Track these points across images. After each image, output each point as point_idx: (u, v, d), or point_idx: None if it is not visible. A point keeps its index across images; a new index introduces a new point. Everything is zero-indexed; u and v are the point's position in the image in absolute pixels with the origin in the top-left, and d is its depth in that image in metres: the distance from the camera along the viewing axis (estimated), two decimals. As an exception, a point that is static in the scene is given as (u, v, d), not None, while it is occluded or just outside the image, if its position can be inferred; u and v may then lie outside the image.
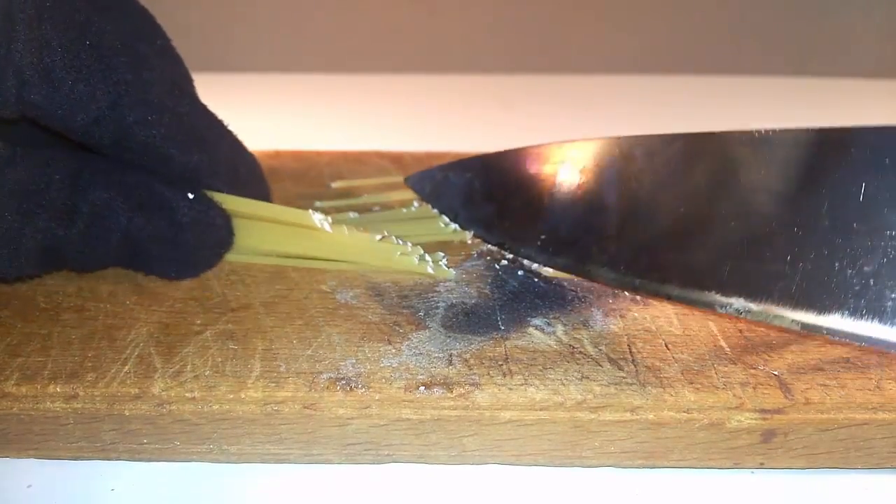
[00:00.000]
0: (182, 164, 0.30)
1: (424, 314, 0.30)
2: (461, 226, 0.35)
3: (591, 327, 0.29)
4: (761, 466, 0.27)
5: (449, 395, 0.26)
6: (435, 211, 0.36)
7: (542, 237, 0.32)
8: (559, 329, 0.29)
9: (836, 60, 0.73)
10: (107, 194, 0.29)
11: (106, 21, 0.28)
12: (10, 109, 0.27)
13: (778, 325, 0.27)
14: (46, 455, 0.27)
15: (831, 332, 0.26)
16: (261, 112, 0.62)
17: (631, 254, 0.30)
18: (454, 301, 0.30)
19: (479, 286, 0.32)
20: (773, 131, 0.29)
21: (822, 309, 0.26)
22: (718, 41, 0.74)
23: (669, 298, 0.29)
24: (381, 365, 0.27)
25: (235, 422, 0.26)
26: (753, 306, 0.27)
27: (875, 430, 0.26)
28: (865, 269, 0.26)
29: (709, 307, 0.28)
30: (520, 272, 0.32)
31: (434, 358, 0.27)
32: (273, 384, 0.26)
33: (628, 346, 0.28)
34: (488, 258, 0.34)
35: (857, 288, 0.26)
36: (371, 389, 0.26)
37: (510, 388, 0.26)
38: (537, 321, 0.29)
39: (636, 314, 0.30)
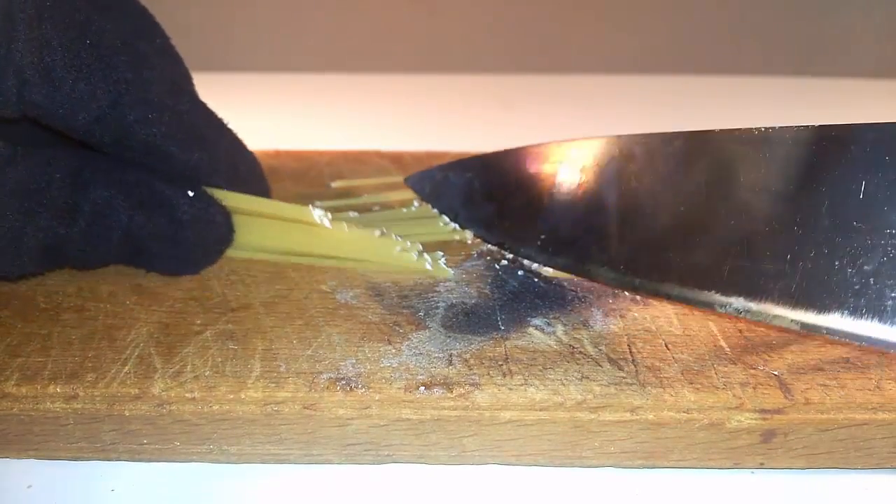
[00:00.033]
0: (182, 162, 0.30)
1: (424, 314, 0.30)
2: (461, 226, 0.35)
3: (591, 327, 0.29)
4: (761, 466, 0.27)
5: (449, 395, 0.26)
6: (435, 211, 0.36)
7: (542, 237, 0.32)
8: (559, 329, 0.29)
9: (836, 60, 0.73)
10: (107, 192, 0.29)
11: (106, 20, 0.28)
12: (12, 109, 0.27)
13: (778, 325, 0.27)
14: (46, 455, 0.27)
15: (831, 332, 0.26)
16: (261, 112, 0.62)
17: (630, 253, 0.30)
18: (454, 301, 0.30)
19: (479, 286, 0.32)
20: (773, 129, 0.28)
21: (822, 308, 0.26)
22: (718, 41, 0.74)
23: (669, 298, 0.29)
24: (381, 365, 0.27)
25: (235, 422, 0.26)
26: (753, 306, 0.27)
27: (875, 430, 0.26)
28: (865, 267, 0.26)
29: (708, 307, 0.28)
30: (520, 272, 0.32)
31: (434, 358, 0.27)
32: (273, 384, 0.26)
33: (628, 346, 0.28)
34: (488, 258, 0.34)
35: (856, 287, 0.26)
36: (371, 389, 0.26)
37: (510, 389, 0.26)
38: (537, 321, 0.29)
39: (636, 314, 0.30)
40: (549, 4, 0.73)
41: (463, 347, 0.28)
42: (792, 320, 0.26)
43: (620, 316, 0.30)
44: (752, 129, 0.29)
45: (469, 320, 0.29)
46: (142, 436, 0.26)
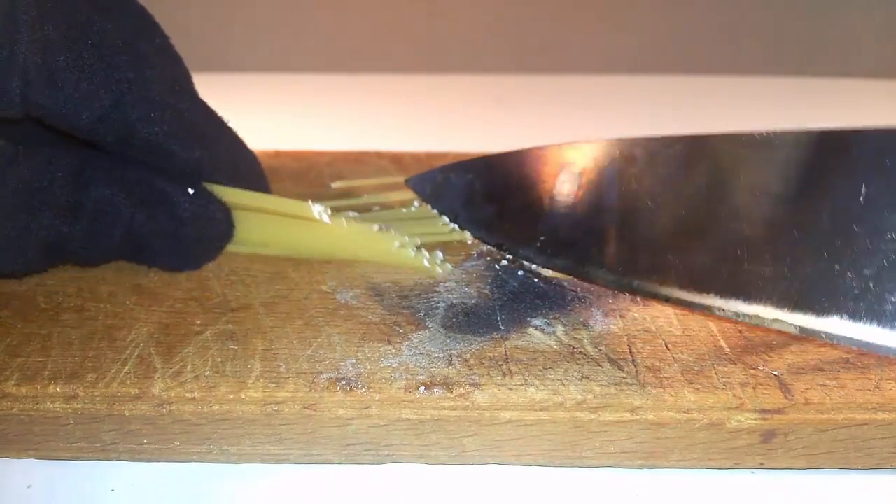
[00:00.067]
0: (184, 160, 0.30)
1: (424, 314, 0.30)
2: (461, 226, 0.35)
3: (591, 327, 0.29)
4: (761, 466, 0.27)
5: (449, 395, 0.26)
6: (434, 211, 0.36)
7: (542, 238, 0.32)
8: (559, 329, 0.29)
9: (836, 60, 0.73)
10: (109, 190, 0.29)
11: (106, 20, 0.28)
12: (16, 110, 0.27)
13: (776, 329, 0.27)
14: (46, 455, 0.27)
15: (830, 336, 0.26)
16: (261, 112, 0.62)
17: (630, 255, 0.30)
18: (454, 301, 0.30)
19: (479, 286, 0.32)
20: (774, 133, 0.29)
21: (822, 312, 0.26)
22: (718, 41, 0.74)
23: (668, 301, 0.29)
24: (381, 365, 0.27)
25: (235, 422, 0.26)
26: (752, 309, 0.27)
27: (875, 431, 0.26)
28: (865, 271, 0.26)
29: (707, 310, 0.28)
30: (520, 272, 0.33)
31: (434, 358, 0.27)
32: (273, 384, 0.26)
33: (628, 346, 0.28)
34: (488, 258, 0.34)
35: (856, 291, 0.26)
36: (371, 390, 0.26)
37: (510, 389, 0.26)
38: (537, 321, 0.29)
39: (636, 314, 0.30)
40: (549, 4, 0.73)
41: (463, 347, 0.28)
42: (791, 324, 0.26)
43: (620, 316, 0.30)
44: (752, 132, 0.29)
45: (469, 320, 0.29)
46: (142, 436, 0.26)
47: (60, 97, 0.27)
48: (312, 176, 0.41)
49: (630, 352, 0.28)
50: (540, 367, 0.27)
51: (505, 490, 0.26)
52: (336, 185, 0.40)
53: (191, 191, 0.31)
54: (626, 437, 0.26)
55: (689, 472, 0.27)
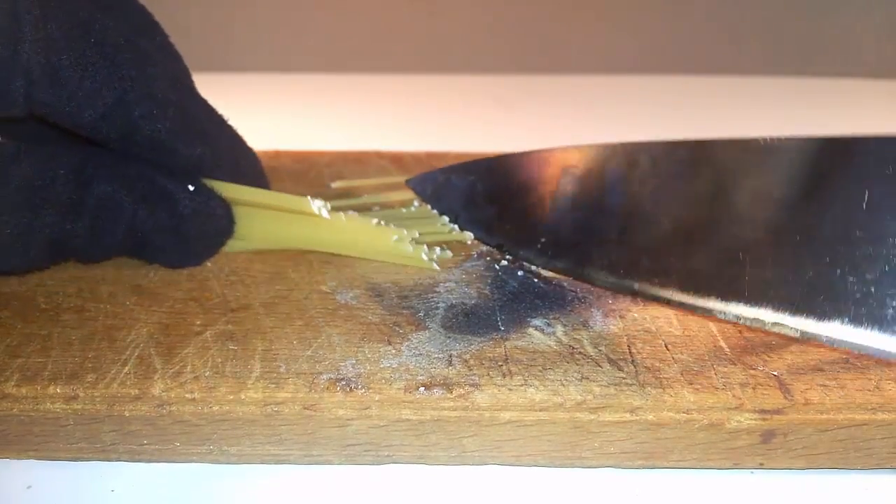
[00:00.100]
0: (186, 156, 0.30)
1: (424, 315, 0.30)
2: (461, 227, 0.35)
3: (591, 328, 0.29)
4: (761, 467, 0.27)
5: (449, 395, 0.26)
6: (434, 212, 0.36)
7: (543, 240, 0.32)
8: (559, 329, 0.29)
9: (836, 60, 0.73)
10: (110, 187, 0.29)
11: (108, 18, 0.28)
12: (19, 108, 0.27)
13: (777, 332, 0.27)
14: (46, 456, 0.27)
15: (831, 340, 0.26)
16: (261, 112, 0.62)
17: (631, 258, 0.30)
18: (454, 301, 0.30)
19: (479, 286, 0.32)
20: (777, 139, 0.29)
21: (823, 316, 0.26)
22: (718, 41, 0.74)
23: (668, 303, 0.29)
24: (381, 366, 0.27)
25: (235, 423, 0.26)
26: (753, 312, 0.27)
27: (875, 431, 0.26)
28: (867, 276, 0.26)
29: (708, 313, 0.28)
30: (520, 272, 0.33)
31: (434, 358, 0.27)
32: (273, 385, 0.26)
33: (628, 346, 0.28)
34: (488, 258, 0.34)
35: (857, 295, 0.26)
36: (371, 390, 0.26)
37: (510, 389, 0.26)
38: (537, 322, 0.29)
39: (636, 315, 0.30)
40: (549, 4, 0.73)
41: (463, 348, 0.28)
42: (792, 327, 0.27)
43: (620, 316, 0.30)
44: (756, 138, 0.29)
45: (469, 321, 0.29)
46: (142, 436, 0.26)
47: (64, 95, 0.27)
48: (312, 176, 0.41)
49: (630, 352, 0.28)
50: (540, 368, 0.27)
51: (505, 490, 0.26)
52: (336, 185, 0.40)
53: (191, 187, 0.31)
54: (626, 437, 0.26)
55: (688, 473, 0.27)
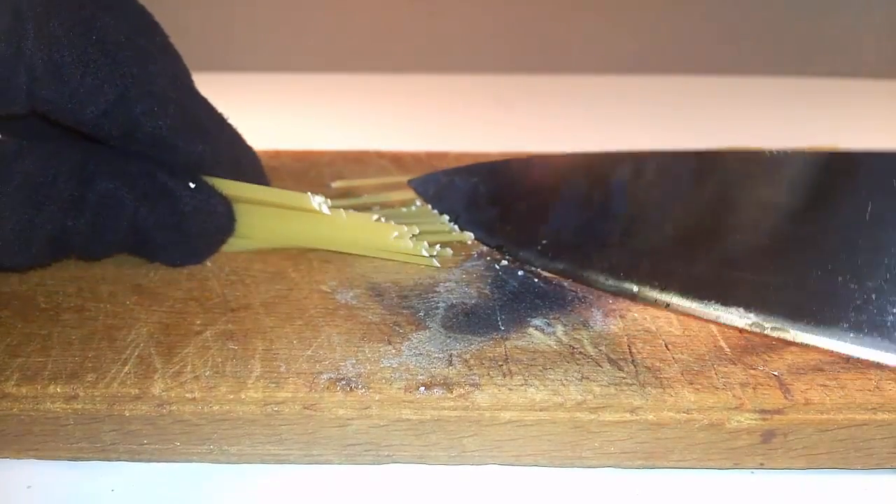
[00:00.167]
0: (186, 153, 0.31)
1: (424, 314, 0.30)
2: (461, 227, 0.35)
3: (591, 328, 0.29)
4: (761, 467, 0.27)
5: (449, 395, 0.26)
6: (435, 212, 0.36)
7: (544, 242, 0.32)
8: (559, 329, 0.29)
9: (836, 60, 0.73)
10: (112, 184, 0.29)
11: (109, 17, 0.29)
12: (21, 105, 0.27)
13: (777, 337, 0.27)
14: (46, 455, 0.27)
15: (831, 346, 0.26)
16: (261, 112, 0.62)
17: (632, 261, 0.30)
18: (454, 301, 0.30)
19: (479, 286, 0.32)
20: (784, 152, 0.29)
21: (824, 322, 0.26)
22: (719, 41, 0.74)
23: (668, 307, 0.29)
24: (381, 365, 0.27)
25: (235, 422, 0.26)
26: (753, 317, 0.27)
27: (875, 431, 0.26)
28: (868, 284, 0.26)
29: (709, 317, 0.28)
30: (520, 272, 0.33)
31: (434, 358, 0.27)
32: (273, 384, 0.26)
33: (628, 346, 0.28)
34: (488, 258, 0.34)
35: (858, 302, 0.26)
36: (371, 390, 0.26)
37: (510, 389, 0.26)
38: (537, 321, 0.29)
39: (636, 314, 0.30)
40: (549, 4, 0.73)
41: (463, 348, 0.28)
42: (793, 333, 0.27)
43: (620, 316, 0.30)
44: (762, 150, 0.29)
45: (469, 320, 0.29)
46: (142, 436, 0.26)
47: (66, 92, 0.27)
48: (313, 176, 0.41)
49: (630, 352, 0.28)
50: (540, 368, 0.27)
51: (505, 490, 0.26)
52: (336, 184, 0.40)
53: (192, 185, 0.31)
54: (626, 437, 0.26)
55: (689, 473, 0.27)
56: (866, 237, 0.26)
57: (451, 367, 0.27)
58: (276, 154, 0.43)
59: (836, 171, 0.28)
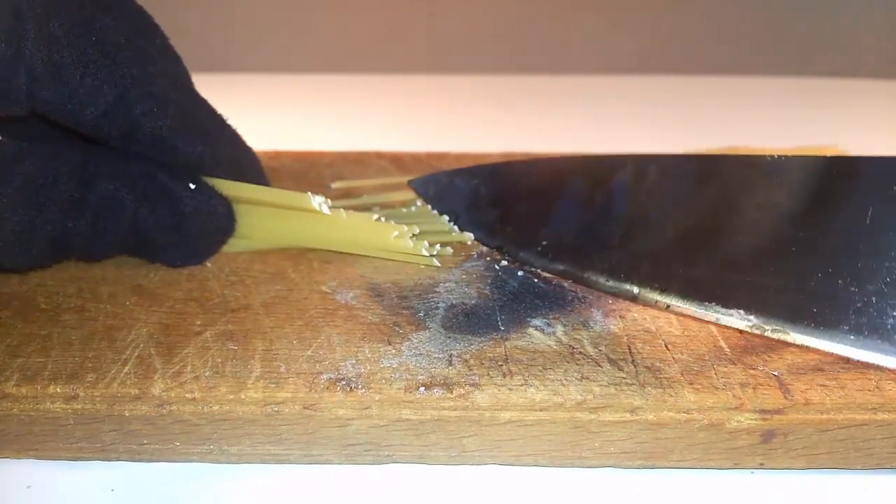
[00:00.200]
0: (186, 154, 0.31)
1: (424, 315, 0.30)
2: (461, 228, 0.35)
3: (591, 328, 0.29)
4: (761, 467, 0.27)
5: (449, 395, 0.26)
6: (435, 212, 0.36)
7: (544, 243, 0.32)
8: (559, 329, 0.29)
9: (836, 60, 0.73)
10: (112, 185, 0.29)
11: (109, 18, 0.29)
12: (22, 105, 0.27)
13: (777, 339, 0.27)
14: (46, 455, 0.27)
15: (831, 349, 0.26)
16: (261, 112, 0.62)
17: (633, 263, 0.30)
18: (454, 301, 0.30)
19: (479, 286, 0.32)
20: (785, 157, 0.29)
21: (823, 324, 0.27)
22: (719, 41, 0.74)
23: (668, 309, 0.29)
24: (381, 365, 0.27)
25: (235, 422, 0.26)
26: (753, 319, 0.27)
27: (875, 431, 0.26)
28: (868, 287, 0.26)
29: (709, 319, 0.28)
30: (520, 272, 0.33)
31: (434, 358, 0.27)
32: (273, 385, 0.26)
33: (628, 346, 0.28)
34: (488, 259, 0.34)
35: (858, 305, 0.26)
36: (371, 390, 0.26)
37: (510, 389, 0.26)
38: (537, 322, 0.29)
39: (636, 315, 0.30)
40: (549, 4, 0.73)
41: (463, 348, 0.28)
42: (793, 335, 0.27)
43: (620, 316, 0.30)
44: (764, 155, 0.30)
45: (469, 321, 0.29)
46: (142, 436, 0.26)
47: (66, 93, 0.27)
48: (313, 176, 0.41)
49: (630, 352, 0.28)
50: (540, 368, 0.27)
51: (505, 490, 0.26)
52: (336, 185, 0.40)
53: (192, 186, 0.31)
54: (626, 437, 0.26)
55: (689, 473, 0.27)
56: (866, 241, 0.27)
57: (451, 368, 0.27)
58: (276, 155, 0.43)
59: (837, 176, 0.28)
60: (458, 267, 0.33)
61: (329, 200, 0.33)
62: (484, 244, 0.34)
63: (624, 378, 0.26)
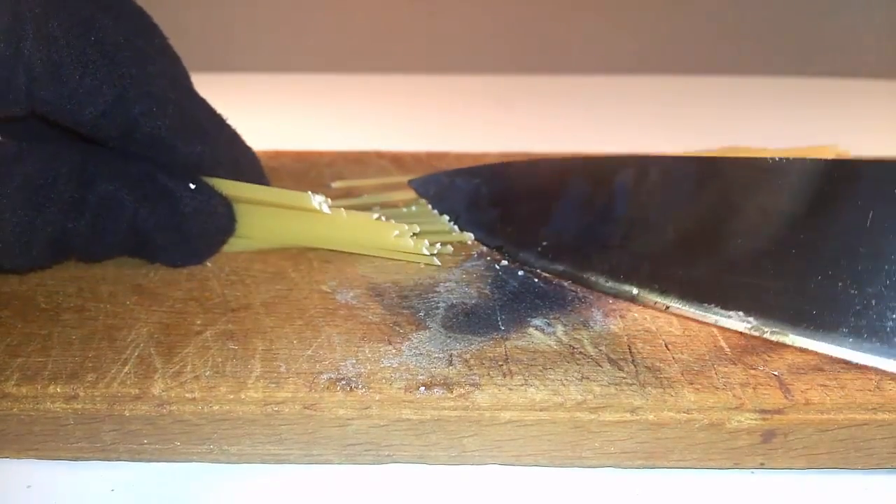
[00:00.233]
0: (185, 154, 0.31)
1: (425, 314, 0.30)
2: (461, 228, 0.35)
3: (591, 328, 0.29)
4: (761, 467, 0.27)
5: (449, 395, 0.26)
6: (435, 212, 0.36)
7: (544, 243, 0.32)
8: (559, 329, 0.29)
9: (836, 60, 0.73)
10: (112, 186, 0.29)
11: (108, 18, 0.29)
12: (21, 105, 0.27)
13: (776, 341, 0.27)
14: (46, 455, 0.27)
15: (830, 352, 0.26)
16: (261, 112, 0.62)
17: (632, 264, 0.30)
18: (454, 301, 0.30)
19: (479, 286, 0.32)
20: (786, 160, 0.29)
21: (823, 326, 0.27)
22: (719, 41, 0.74)
23: (667, 310, 0.29)
24: (382, 365, 0.27)
25: (236, 422, 0.26)
26: (753, 321, 0.27)
27: (875, 431, 0.26)
28: (868, 290, 0.26)
29: (708, 321, 0.28)
30: (520, 272, 0.33)
31: (434, 358, 0.27)
32: (273, 384, 0.26)
33: (628, 346, 0.28)
34: (488, 258, 0.34)
35: (858, 308, 0.26)
36: (371, 390, 0.26)
37: (510, 389, 0.26)
38: (537, 321, 0.29)
39: (636, 314, 0.30)
40: (549, 4, 0.73)
41: (463, 347, 0.28)
42: (791, 337, 0.27)
43: (620, 316, 0.30)
44: (765, 158, 0.30)
45: (469, 320, 0.29)
46: (142, 436, 0.26)
47: (64, 93, 0.27)
48: (313, 176, 0.41)
49: (630, 352, 0.28)
50: (540, 368, 0.27)
51: (505, 490, 0.26)
52: (336, 185, 0.40)
53: (192, 186, 0.31)
54: (626, 437, 0.26)
55: (689, 473, 0.27)
56: (866, 244, 0.27)
57: (451, 367, 0.27)
58: (276, 154, 0.43)
59: (836, 178, 0.28)
60: (458, 266, 0.33)
61: (329, 200, 0.33)
62: (484, 244, 0.34)
63: (624, 378, 0.26)
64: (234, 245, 0.33)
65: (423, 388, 0.26)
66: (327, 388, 0.26)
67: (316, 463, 0.27)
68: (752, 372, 0.27)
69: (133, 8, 0.31)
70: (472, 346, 0.28)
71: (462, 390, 0.26)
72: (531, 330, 0.29)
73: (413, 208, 0.37)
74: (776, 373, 0.26)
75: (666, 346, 0.28)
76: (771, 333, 0.27)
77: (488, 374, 0.26)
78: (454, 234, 0.35)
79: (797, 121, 0.62)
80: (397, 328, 0.29)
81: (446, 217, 0.36)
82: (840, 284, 0.27)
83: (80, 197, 0.29)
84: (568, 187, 0.34)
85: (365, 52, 0.74)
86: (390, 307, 0.30)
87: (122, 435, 0.26)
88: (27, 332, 0.28)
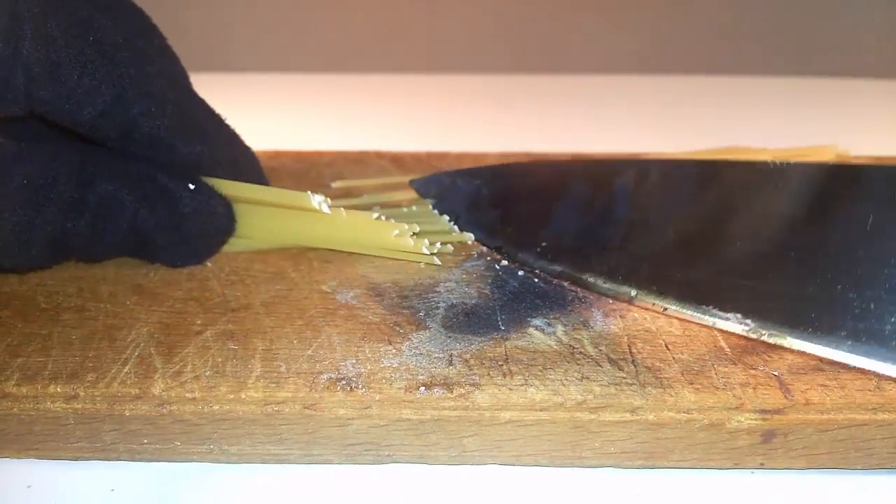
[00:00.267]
0: (185, 154, 0.31)
1: (425, 314, 0.30)
2: (461, 228, 0.35)
3: (592, 327, 0.29)
4: (761, 467, 0.27)
5: (449, 395, 0.26)
6: (435, 212, 0.36)
7: (543, 244, 0.32)
8: (559, 329, 0.29)
9: (836, 60, 0.72)
10: (111, 186, 0.29)
11: (106, 18, 0.29)
12: (20, 106, 0.27)
13: (775, 343, 0.27)
14: (46, 455, 0.27)
15: (829, 354, 0.26)
16: (261, 112, 0.62)
17: (631, 266, 0.30)
18: (454, 301, 0.30)
19: (479, 286, 0.32)
20: (787, 164, 0.29)
21: (822, 329, 0.27)
22: (718, 41, 0.74)
23: (665, 312, 0.29)
24: (382, 365, 0.27)
25: (236, 422, 0.26)
26: (751, 323, 0.27)
27: (875, 431, 0.26)
28: (867, 293, 0.26)
29: (707, 323, 0.28)
30: (520, 272, 0.33)
31: (434, 358, 0.27)
32: (273, 384, 0.26)
33: (628, 346, 0.28)
34: (488, 258, 0.34)
35: (857, 311, 0.26)
36: (371, 390, 0.26)
37: (510, 389, 0.26)
38: (537, 321, 0.29)
39: (636, 314, 0.30)
40: (549, 4, 0.73)
41: (463, 347, 0.28)
42: (789, 340, 0.27)
43: (620, 316, 0.30)
44: (765, 161, 0.30)
45: (469, 320, 0.29)
46: (142, 436, 0.26)
47: (63, 93, 0.27)
48: (313, 176, 0.41)
49: (630, 352, 0.28)
50: (540, 368, 0.27)
51: (505, 490, 0.26)
52: (336, 185, 0.40)
53: (192, 186, 0.31)
54: (626, 437, 0.26)
55: (689, 473, 0.27)
56: (865, 247, 0.27)
57: (451, 367, 0.27)
58: (276, 154, 0.43)
59: (837, 182, 0.28)
60: (458, 266, 0.33)
61: (329, 199, 0.33)
62: (484, 244, 0.34)
63: (624, 378, 0.26)
64: (234, 245, 0.33)
65: (423, 388, 0.26)
66: (327, 388, 0.26)
67: (316, 463, 0.27)
68: (752, 372, 0.27)
69: (132, 8, 0.31)
70: (472, 346, 0.28)
71: (462, 390, 0.26)
72: (531, 330, 0.29)
73: (413, 208, 0.37)
74: (776, 373, 0.26)
75: (666, 346, 0.28)
76: (769, 336, 0.27)
77: (488, 374, 0.26)
78: (454, 234, 0.35)
79: (797, 121, 0.62)
80: (397, 328, 0.29)
81: (446, 217, 0.36)
82: (838, 287, 0.27)
83: (80, 197, 0.29)
84: (568, 189, 0.34)
85: (365, 52, 0.74)
86: (390, 307, 0.30)
87: (123, 435, 0.26)
88: (27, 331, 0.28)
